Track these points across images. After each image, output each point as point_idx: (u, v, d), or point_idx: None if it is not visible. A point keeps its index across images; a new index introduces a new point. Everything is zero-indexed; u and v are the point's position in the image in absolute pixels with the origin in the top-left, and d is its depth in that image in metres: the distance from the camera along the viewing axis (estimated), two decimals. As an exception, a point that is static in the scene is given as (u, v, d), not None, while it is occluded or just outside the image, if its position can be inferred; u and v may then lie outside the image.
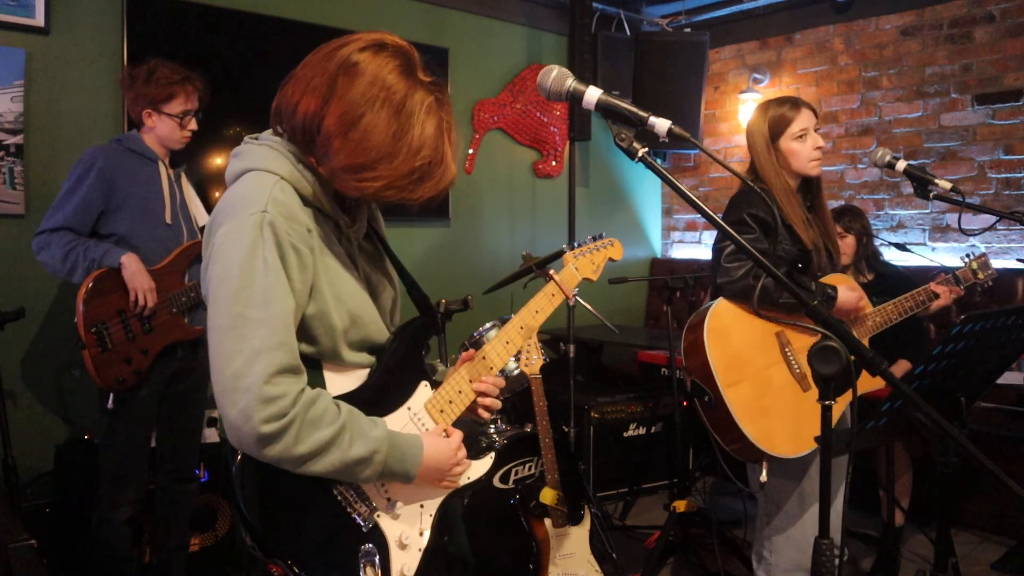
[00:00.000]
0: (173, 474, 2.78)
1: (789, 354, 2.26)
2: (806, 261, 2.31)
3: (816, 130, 2.35)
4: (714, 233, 5.43)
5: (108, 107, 3.39)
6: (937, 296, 2.48)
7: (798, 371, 2.24)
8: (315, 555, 1.27)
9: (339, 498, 1.31)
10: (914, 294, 2.46)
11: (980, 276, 2.54)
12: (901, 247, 3.19)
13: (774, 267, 2.18)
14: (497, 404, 1.53)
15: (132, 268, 2.49)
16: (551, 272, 1.71)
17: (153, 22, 3.49)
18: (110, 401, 2.56)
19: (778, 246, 2.26)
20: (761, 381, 2.21)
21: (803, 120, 2.33)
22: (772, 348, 2.26)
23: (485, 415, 1.54)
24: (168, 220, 2.64)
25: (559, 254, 2.92)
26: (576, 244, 1.79)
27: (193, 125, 2.70)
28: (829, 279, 2.36)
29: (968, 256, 2.57)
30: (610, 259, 1.84)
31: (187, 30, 3.61)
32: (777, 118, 2.34)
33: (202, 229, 2.74)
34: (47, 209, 2.56)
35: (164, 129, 2.65)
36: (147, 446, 2.67)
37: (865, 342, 2.39)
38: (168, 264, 2.61)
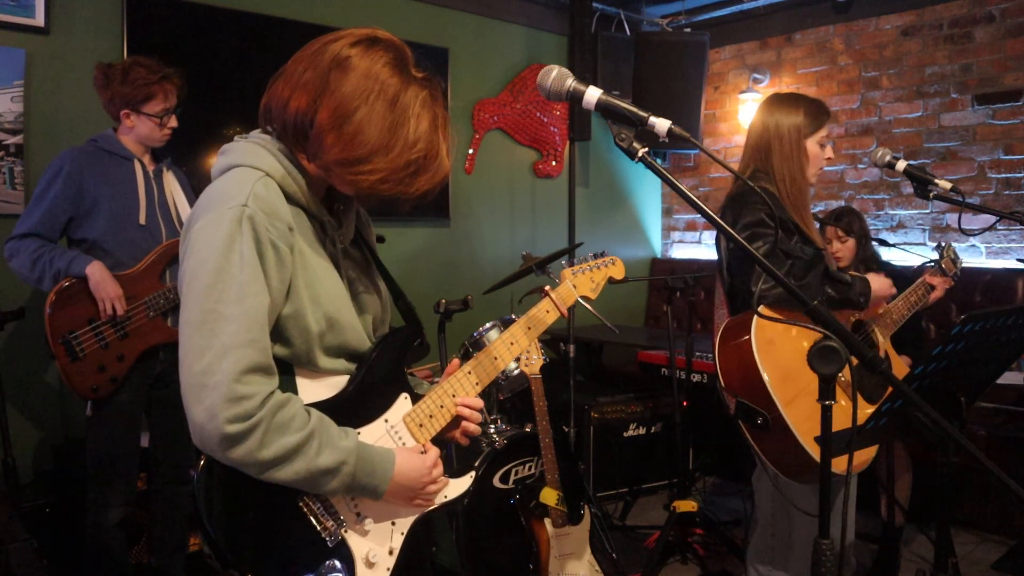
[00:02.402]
0: (168, 476, 2.78)
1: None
2: (819, 260, 2.23)
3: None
4: (715, 233, 5.43)
5: (106, 111, 3.38)
6: (933, 288, 2.50)
7: (843, 380, 2.09)
8: (275, 569, 1.22)
9: (305, 510, 1.26)
10: (915, 288, 2.48)
11: (956, 266, 2.60)
12: (883, 243, 3.19)
13: (798, 266, 2.14)
14: (477, 429, 1.47)
15: (97, 277, 2.44)
16: (547, 289, 1.67)
17: (153, 22, 3.49)
18: (88, 408, 2.54)
19: (795, 246, 2.18)
20: (812, 394, 2.05)
21: (827, 128, 2.31)
22: None
23: (463, 440, 1.49)
24: (142, 221, 2.57)
25: (559, 254, 2.94)
26: (575, 261, 1.74)
27: (173, 123, 2.63)
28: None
29: (940, 246, 2.60)
30: (611, 278, 1.79)
31: (187, 30, 3.61)
32: (812, 119, 2.26)
33: None
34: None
35: (144, 129, 2.59)
36: (133, 449, 2.64)
37: (889, 342, 2.37)
38: (144, 267, 2.56)
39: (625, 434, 4.14)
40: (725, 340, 2.13)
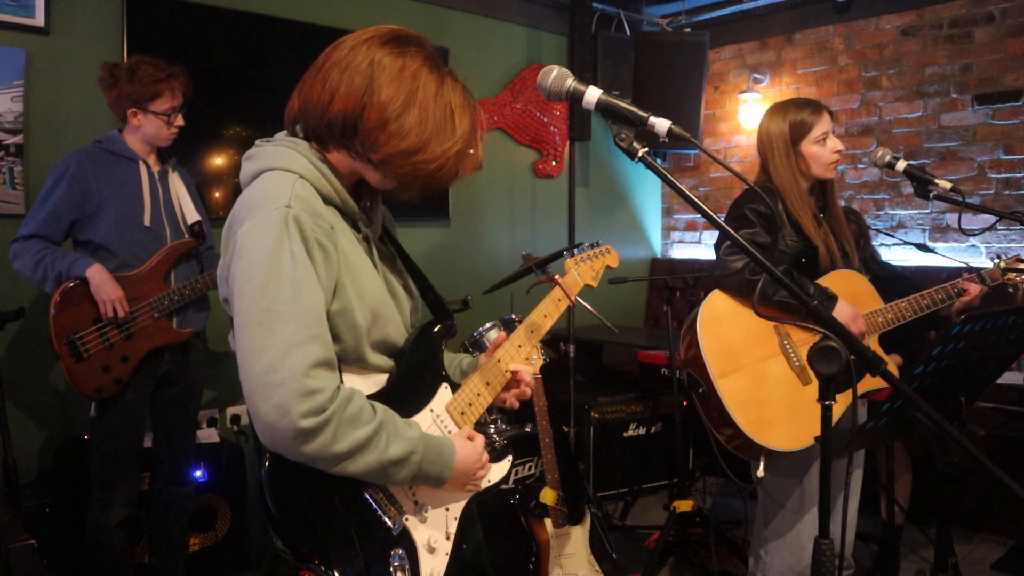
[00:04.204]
0: (169, 476, 2.78)
1: (788, 347, 2.25)
2: (811, 257, 2.30)
3: (833, 133, 2.36)
4: (715, 233, 5.43)
5: (112, 110, 3.39)
6: (965, 291, 2.42)
7: (797, 364, 2.23)
8: (347, 560, 1.25)
9: (370, 501, 1.30)
10: (932, 292, 2.41)
11: (1010, 277, 2.46)
12: (924, 248, 3.15)
13: (774, 263, 2.19)
14: (528, 393, 1.57)
15: (97, 279, 2.45)
16: (557, 277, 1.73)
17: (153, 22, 3.49)
18: (92, 409, 2.55)
19: (780, 241, 2.25)
20: (757, 372, 2.21)
21: (824, 124, 2.32)
22: (770, 340, 2.26)
23: (515, 403, 1.57)
24: (147, 222, 2.58)
25: (559, 254, 2.94)
26: (575, 251, 1.81)
27: (180, 121, 2.63)
28: (837, 278, 2.33)
29: (1000, 256, 2.51)
30: (608, 266, 1.88)
31: (187, 30, 3.60)
32: (799, 122, 2.32)
33: (190, 228, 2.69)
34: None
35: (151, 128, 2.59)
36: (136, 450, 2.65)
37: (875, 338, 2.38)
38: (149, 268, 2.56)
39: (625, 434, 4.13)
40: (687, 320, 2.34)
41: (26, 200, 3.17)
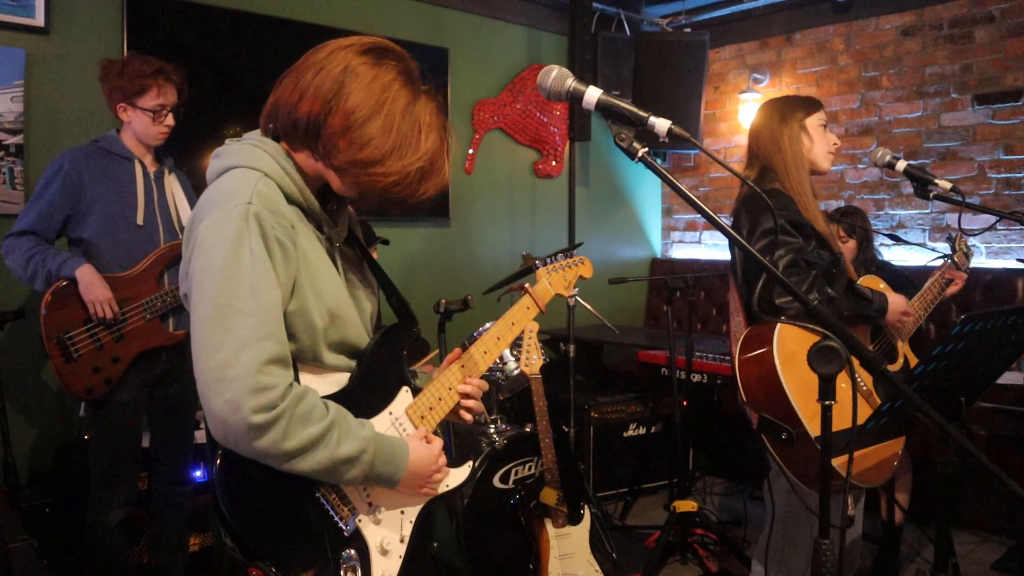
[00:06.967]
0: (168, 476, 2.78)
1: (851, 371, 2.13)
2: (836, 264, 2.19)
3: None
4: (715, 233, 5.43)
5: (108, 107, 3.39)
6: (952, 281, 2.49)
7: (864, 389, 2.08)
8: (296, 559, 1.25)
9: (322, 501, 1.30)
10: (930, 286, 2.46)
11: (969, 259, 2.59)
12: (895, 238, 3.17)
13: (821, 278, 2.09)
14: (480, 407, 1.55)
15: (86, 280, 2.44)
16: (527, 286, 1.73)
17: (153, 22, 3.49)
18: (82, 409, 2.54)
19: (813, 252, 2.15)
20: (835, 406, 2.06)
21: (824, 114, 2.32)
22: None
23: (467, 417, 1.55)
24: (140, 222, 2.57)
25: (560, 254, 2.94)
26: (548, 260, 1.81)
27: (169, 120, 2.61)
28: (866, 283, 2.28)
29: (951, 238, 2.60)
30: (581, 277, 1.86)
31: (187, 30, 3.61)
32: (804, 102, 2.31)
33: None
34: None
35: (139, 124, 2.58)
36: (134, 450, 2.64)
37: (907, 344, 2.35)
38: (142, 269, 2.55)
39: (625, 434, 4.14)
40: (745, 352, 2.05)
41: (26, 200, 3.16)
